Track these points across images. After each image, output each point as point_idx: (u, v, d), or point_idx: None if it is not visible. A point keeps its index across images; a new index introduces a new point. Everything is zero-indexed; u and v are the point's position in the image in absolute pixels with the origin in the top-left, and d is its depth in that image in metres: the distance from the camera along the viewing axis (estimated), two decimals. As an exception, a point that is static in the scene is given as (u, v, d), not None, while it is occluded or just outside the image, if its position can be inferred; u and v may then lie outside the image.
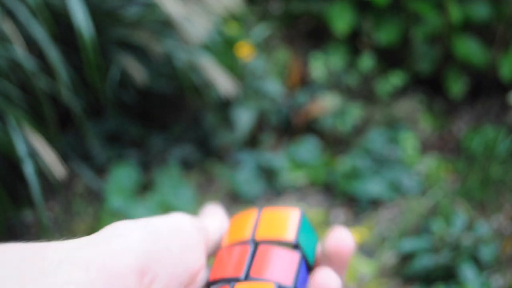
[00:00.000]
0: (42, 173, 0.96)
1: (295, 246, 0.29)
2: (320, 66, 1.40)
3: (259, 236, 0.29)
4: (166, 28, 1.15)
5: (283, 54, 1.51)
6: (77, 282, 0.19)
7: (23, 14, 0.93)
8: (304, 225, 0.30)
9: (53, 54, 0.95)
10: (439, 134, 1.44)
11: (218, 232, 0.30)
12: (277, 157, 1.28)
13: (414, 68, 1.49)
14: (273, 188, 1.26)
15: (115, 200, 1.15)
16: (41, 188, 0.93)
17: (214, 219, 0.31)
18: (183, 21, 1.04)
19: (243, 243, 0.29)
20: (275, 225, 0.29)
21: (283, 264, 0.28)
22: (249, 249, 0.29)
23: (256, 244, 0.29)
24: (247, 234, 0.30)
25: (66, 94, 1.00)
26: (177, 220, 0.26)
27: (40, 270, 0.20)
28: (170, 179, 1.20)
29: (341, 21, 1.46)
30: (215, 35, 1.21)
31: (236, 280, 0.27)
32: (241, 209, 1.22)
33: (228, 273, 0.27)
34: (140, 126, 1.30)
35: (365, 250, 1.12)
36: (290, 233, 0.29)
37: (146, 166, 1.27)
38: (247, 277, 0.27)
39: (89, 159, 1.24)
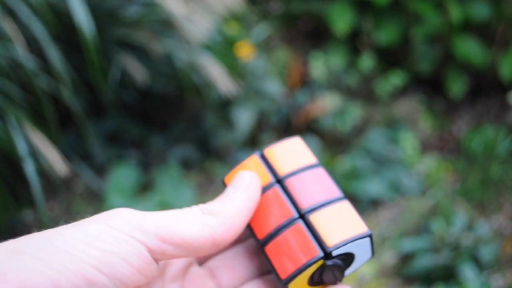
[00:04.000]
0: (42, 172, 0.96)
1: (315, 166, 0.29)
2: (320, 66, 1.40)
3: (280, 174, 0.28)
4: (167, 28, 1.15)
5: (283, 54, 1.51)
6: None
7: (24, 13, 0.93)
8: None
9: (54, 53, 0.95)
10: (439, 134, 1.44)
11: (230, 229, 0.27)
12: (277, 157, 1.28)
13: (414, 68, 1.49)
14: (273, 188, 1.26)
15: (115, 200, 1.15)
16: (41, 187, 0.93)
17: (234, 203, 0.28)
18: (184, 20, 1.05)
19: (267, 188, 0.28)
20: (289, 157, 0.29)
21: (320, 183, 0.28)
22: (278, 189, 0.27)
23: (279, 182, 0.28)
24: (267, 178, 0.28)
25: (67, 93, 1.00)
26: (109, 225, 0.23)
27: None
28: (170, 179, 1.20)
29: (341, 21, 1.46)
30: (215, 34, 1.21)
31: (293, 220, 0.26)
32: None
33: (278, 221, 0.26)
34: (140, 126, 1.30)
35: (365, 250, 1.12)
36: (309, 157, 0.29)
37: (146, 166, 1.27)
38: (300, 213, 0.26)
39: (89, 159, 1.24)
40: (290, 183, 0.28)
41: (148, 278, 0.23)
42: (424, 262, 1.02)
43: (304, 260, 0.25)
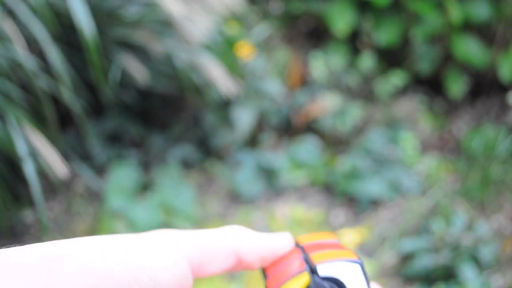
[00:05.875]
0: (42, 172, 0.96)
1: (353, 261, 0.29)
2: (320, 66, 1.40)
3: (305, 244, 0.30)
4: (167, 28, 1.15)
5: (283, 54, 1.51)
6: None
7: (24, 13, 0.93)
8: None
9: (54, 53, 0.95)
10: (439, 134, 1.44)
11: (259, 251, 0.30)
12: (277, 157, 1.28)
13: (414, 68, 1.49)
14: (273, 188, 1.26)
15: (115, 200, 1.15)
16: (41, 188, 0.93)
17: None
18: (184, 20, 1.04)
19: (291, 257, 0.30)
20: (319, 238, 0.30)
21: (330, 245, 0.29)
22: (299, 250, 0.29)
23: (301, 247, 0.29)
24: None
25: (67, 93, 1.00)
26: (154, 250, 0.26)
27: None
28: (170, 179, 1.20)
29: (341, 21, 1.46)
30: (215, 34, 1.21)
31: (300, 272, 0.27)
32: (241, 209, 1.22)
33: (289, 275, 0.28)
34: (140, 126, 1.30)
35: (365, 250, 1.12)
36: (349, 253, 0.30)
37: (146, 166, 1.27)
38: (311, 267, 0.27)
39: (89, 159, 1.24)
40: (308, 246, 0.29)
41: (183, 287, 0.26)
42: (424, 262, 1.02)
43: (290, 275, 0.26)
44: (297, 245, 0.30)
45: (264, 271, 0.30)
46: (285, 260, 0.29)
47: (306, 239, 0.30)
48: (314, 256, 0.27)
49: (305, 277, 0.26)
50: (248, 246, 0.29)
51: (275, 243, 0.30)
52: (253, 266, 0.29)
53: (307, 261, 0.27)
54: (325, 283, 0.26)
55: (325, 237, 0.30)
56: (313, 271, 0.26)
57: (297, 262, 0.27)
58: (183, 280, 0.25)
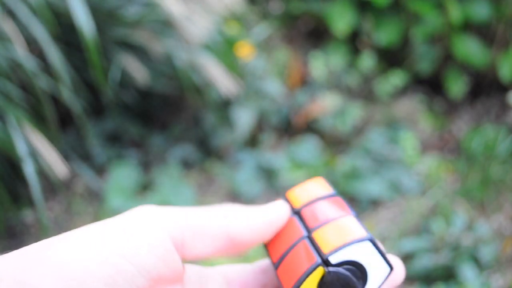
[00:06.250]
0: (42, 173, 0.96)
1: (330, 195, 0.29)
2: (320, 66, 1.40)
3: (296, 207, 0.29)
4: (167, 28, 1.15)
5: (283, 54, 1.51)
6: None
7: (23, 13, 0.93)
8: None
9: (54, 53, 0.95)
10: (439, 134, 1.44)
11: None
12: (277, 157, 1.28)
13: (414, 68, 1.49)
14: (273, 188, 1.26)
15: (115, 200, 1.15)
16: (41, 188, 0.93)
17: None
18: (184, 20, 1.04)
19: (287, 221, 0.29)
20: (307, 193, 0.30)
21: (331, 207, 0.28)
22: (295, 219, 0.28)
23: (296, 213, 0.29)
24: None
25: (67, 93, 1.00)
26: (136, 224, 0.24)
27: None
28: (170, 179, 1.20)
29: (341, 21, 1.46)
30: (215, 34, 1.21)
31: (300, 239, 0.27)
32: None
33: (289, 243, 0.27)
34: (140, 126, 1.30)
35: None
36: (326, 189, 0.30)
37: (146, 166, 1.27)
38: (308, 232, 0.27)
39: (89, 159, 1.24)
40: (305, 211, 0.29)
41: (172, 270, 0.24)
42: (424, 262, 1.02)
43: (303, 270, 0.25)
44: (294, 211, 0.29)
45: (266, 247, 0.29)
46: (288, 241, 0.27)
47: (299, 198, 0.29)
48: (319, 240, 0.26)
49: (320, 272, 0.25)
50: (240, 224, 0.27)
51: (269, 216, 0.28)
52: (247, 245, 0.27)
53: (315, 247, 0.26)
54: (340, 269, 0.25)
55: (318, 189, 0.30)
56: (324, 261, 0.25)
57: (304, 253, 0.26)
58: (170, 262, 0.24)
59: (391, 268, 0.26)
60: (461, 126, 1.46)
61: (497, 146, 1.27)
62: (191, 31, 1.06)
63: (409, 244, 1.06)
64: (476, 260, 1.01)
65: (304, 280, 0.25)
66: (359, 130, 1.40)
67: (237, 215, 0.27)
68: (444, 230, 1.04)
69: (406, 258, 1.08)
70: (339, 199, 0.29)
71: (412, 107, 1.45)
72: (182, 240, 0.25)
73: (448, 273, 1.00)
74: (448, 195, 1.18)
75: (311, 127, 1.39)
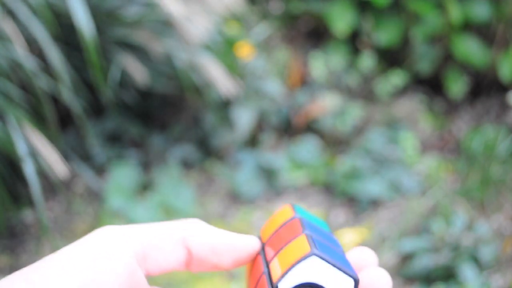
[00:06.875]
0: (42, 173, 0.96)
1: (290, 219, 0.28)
2: (320, 66, 1.40)
3: (263, 241, 0.28)
4: (166, 28, 1.15)
5: (283, 54, 1.51)
6: None
7: (24, 13, 0.93)
8: (299, 209, 0.29)
9: (54, 54, 0.95)
10: (439, 134, 1.44)
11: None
12: (277, 157, 1.28)
13: (414, 68, 1.49)
14: (273, 188, 1.26)
15: (115, 200, 1.15)
16: (41, 188, 0.93)
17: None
18: (184, 20, 1.04)
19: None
20: (273, 225, 0.29)
21: (288, 232, 0.27)
22: (260, 256, 0.28)
23: (263, 248, 0.28)
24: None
25: (67, 93, 1.00)
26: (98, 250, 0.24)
27: None
28: (170, 179, 1.20)
29: (341, 21, 1.46)
30: (215, 35, 1.21)
31: (261, 275, 0.26)
32: (241, 209, 1.22)
33: (255, 279, 0.26)
34: (140, 126, 1.30)
35: (365, 250, 1.12)
36: (288, 216, 0.28)
37: (146, 166, 1.27)
38: (267, 265, 0.26)
39: (89, 159, 1.24)
40: (267, 245, 0.28)
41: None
42: (424, 262, 1.02)
43: None
44: (262, 247, 0.28)
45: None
46: (254, 278, 0.27)
47: (267, 230, 0.29)
48: (272, 271, 0.25)
49: None
50: (198, 239, 0.27)
51: (232, 241, 0.27)
52: (206, 261, 0.27)
53: (269, 277, 0.25)
54: None
55: (280, 218, 0.28)
56: None
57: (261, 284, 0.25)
58: (136, 281, 0.24)
59: (355, 279, 0.24)
60: (461, 126, 1.46)
61: (497, 146, 1.27)
62: (191, 31, 1.06)
63: (409, 244, 1.06)
64: (476, 260, 1.01)
65: None
66: (359, 130, 1.40)
67: (198, 230, 0.27)
68: (444, 230, 1.04)
69: (406, 258, 1.08)
70: (295, 221, 0.27)
71: (412, 107, 1.45)
72: (144, 254, 0.25)
73: (448, 273, 1.00)
74: (448, 195, 1.18)
75: (311, 127, 1.39)
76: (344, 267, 0.24)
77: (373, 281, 0.25)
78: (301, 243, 0.25)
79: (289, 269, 0.23)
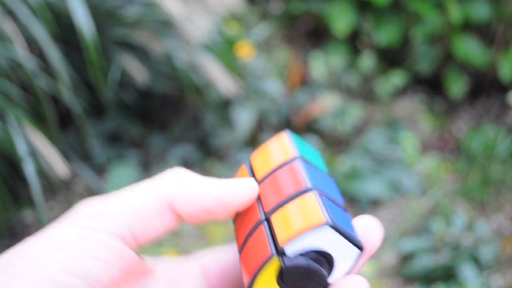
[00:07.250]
0: (42, 172, 0.96)
1: (290, 161, 0.26)
2: (320, 66, 1.40)
3: (258, 179, 0.26)
4: (166, 28, 1.15)
5: (283, 54, 1.51)
6: None
7: (23, 13, 0.93)
8: (298, 141, 0.27)
9: (54, 53, 0.95)
10: (439, 134, 1.44)
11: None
12: (277, 157, 1.28)
13: (414, 68, 1.49)
14: (273, 188, 1.26)
15: (115, 200, 1.15)
16: (41, 188, 0.93)
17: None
18: (184, 20, 1.04)
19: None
20: (268, 158, 0.27)
21: (290, 178, 0.25)
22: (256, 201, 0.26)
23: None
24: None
25: (67, 93, 1.00)
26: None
27: None
28: (170, 179, 1.20)
29: (341, 21, 1.46)
30: (215, 35, 1.21)
31: (258, 224, 0.24)
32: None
33: (248, 228, 0.24)
34: (140, 126, 1.30)
35: (365, 250, 1.12)
36: (288, 153, 0.26)
37: (146, 166, 1.27)
38: (265, 215, 0.24)
39: (89, 159, 1.24)
40: (263, 186, 0.26)
41: (125, 271, 0.23)
42: (424, 262, 1.02)
43: (258, 263, 0.23)
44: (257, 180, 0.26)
45: (234, 229, 0.27)
46: (248, 224, 0.24)
47: (261, 163, 0.26)
48: (276, 226, 0.23)
49: (276, 264, 0.23)
50: (185, 201, 0.24)
51: (225, 194, 0.24)
52: (198, 219, 0.25)
53: (272, 234, 0.23)
54: (298, 259, 0.22)
55: (278, 153, 0.26)
56: (280, 252, 0.23)
57: (261, 242, 0.23)
58: (120, 261, 0.22)
59: (361, 249, 0.23)
60: (461, 126, 1.46)
61: (497, 146, 1.27)
62: (191, 31, 1.06)
63: (409, 244, 1.06)
64: (476, 260, 1.01)
65: (257, 274, 0.23)
66: (359, 130, 1.40)
67: (184, 188, 0.24)
68: (444, 230, 1.04)
69: (406, 258, 1.08)
70: (296, 165, 0.25)
71: (412, 107, 1.45)
72: (130, 230, 0.23)
73: (448, 273, 1.00)
74: (448, 195, 1.18)
75: (311, 127, 1.39)
76: (353, 236, 0.23)
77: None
78: (311, 205, 0.23)
79: (300, 235, 0.22)
